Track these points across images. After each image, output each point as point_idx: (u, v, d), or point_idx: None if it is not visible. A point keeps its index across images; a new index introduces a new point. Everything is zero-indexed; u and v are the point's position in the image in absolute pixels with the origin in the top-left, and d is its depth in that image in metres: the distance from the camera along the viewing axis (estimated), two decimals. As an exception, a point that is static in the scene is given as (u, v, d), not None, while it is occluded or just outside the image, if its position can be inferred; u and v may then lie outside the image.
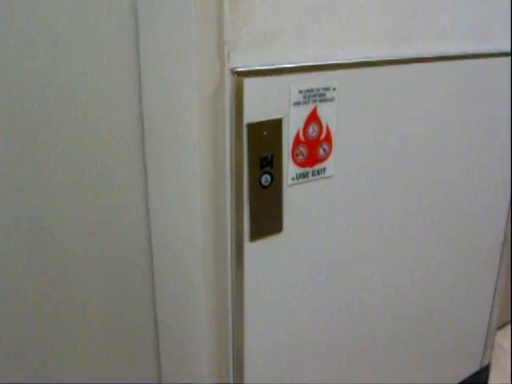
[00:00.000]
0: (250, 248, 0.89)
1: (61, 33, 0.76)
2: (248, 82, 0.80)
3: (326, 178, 0.96)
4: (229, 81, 0.80)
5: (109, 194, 0.86)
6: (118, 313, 0.93)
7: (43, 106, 0.77)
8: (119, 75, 0.82)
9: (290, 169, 0.90)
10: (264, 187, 0.88)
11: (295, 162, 0.90)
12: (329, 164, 0.95)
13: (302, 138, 0.90)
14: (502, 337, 1.84)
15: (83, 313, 0.90)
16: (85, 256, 0.87)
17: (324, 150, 0.94)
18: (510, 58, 1.17)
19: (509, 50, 1.17)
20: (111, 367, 0.96)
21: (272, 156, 0.87)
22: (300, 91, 0.87)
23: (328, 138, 0.94)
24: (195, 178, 0.82)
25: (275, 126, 0.86)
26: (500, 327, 1.87)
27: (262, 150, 0.85)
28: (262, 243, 0.90)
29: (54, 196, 0.82)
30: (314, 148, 0.92)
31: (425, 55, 1.02)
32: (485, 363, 1.58)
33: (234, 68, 0.79)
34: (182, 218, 0.86)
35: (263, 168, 0.86)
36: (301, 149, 0.90)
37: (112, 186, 0.86)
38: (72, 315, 0.89)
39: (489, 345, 1.56)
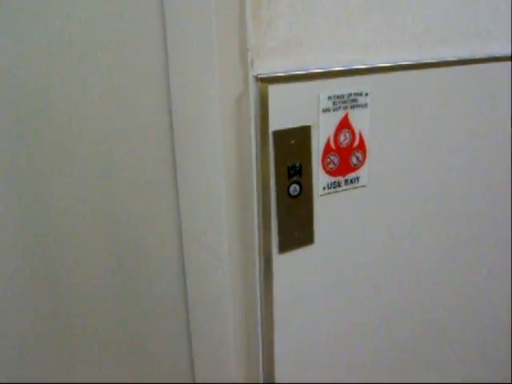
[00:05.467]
0: (279, 260, 0.86)
1: (97, 39, 0.76)
2: (273, 89, 0.78)
3: (360, 187, 0.92)
4: (253, 88, 0.78)
5: (140, 204, 0.85)
6: (150, 321, 0.92)
7: (71, 114, 0.77)
8: (150, 88, 0.81)
9: (320, 178, 0.87)
10: (293, 197, 0.85)
11: (326, 171, 0.87)
12: (363, 173, 0.91)
13: (332, 145, 0.86)
14: None
15: (114, 323, 0.89)
16: (113, 266, 0.87)
17: (357, 159, 0.90)
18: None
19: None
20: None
21: (300, 165, 0.84)
22: (329, 97, 0.84)
23: (361, 146, 0.90)
24: (220, 188, 0.80)
25: (303, 134, 0.83)
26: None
27: (289, 158, 0.83)
28: (291, 255, 0.87)
29: (82, 205, 0.82)
30: (347, 156, 0.88)
31: (464, 57, 0.96)
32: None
33: (258, 75, 0.77)
34: (209, 229, 0.84)
35: (291, 177, 0.84)
36: (332, 157, 0.87)
37: (143, 196, 0.85)
38: (103, 325, 0.88)
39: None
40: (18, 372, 0.84)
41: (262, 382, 0.92)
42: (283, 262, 0.87)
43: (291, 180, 0.84)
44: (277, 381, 0.92)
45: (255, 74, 0.77)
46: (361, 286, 0.98)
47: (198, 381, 0.96)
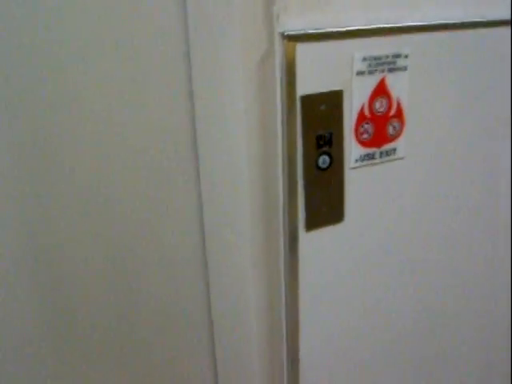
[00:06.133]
0: (306, 239, 0.79)
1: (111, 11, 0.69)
2: (301, 48, 0.70)
3: (397, 160, 0.83)
4: (279, 47, 0.69)
5: (160, 175, 0.79)
6: (171, 305, 0.87)
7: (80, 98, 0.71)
8: (168, 49, 0.74)
9: (352, 149, 0.79)
10: (322, 170, 0.77)
11: (359, 141, 0.79)
12: (400, 144, 0.83)
13: (367, 113, 0.78)
14: None
15: (134, 310, 0.84)
16: (140, 248, 0.81)
17: (394, 128, 0.81)
18: None
19: None
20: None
21: (331, 134, 0.76)
22: (364, 59, 0.75)
23: (399, 114, 0.81)
24: (242, 159, 0.73)
25: (334, 99, 0.75)
26: None
27: (318, 126, 0.75)
28: (319, 233, 0.80)
29: (113, 191, 0.77)
30: (382, 125, 0.80)
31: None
32: None
33: (285, 32, 0.69)
34: (230, 204, 0.77)
35: (320, 148, 0.76)
36: (366, 126, 0.79)
37: (164, 165, 0.79)
38: (117, 318, 0.83)
39: None
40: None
41: (285, 366, 0.85)
42: (310, 241, 0.79)
43: (320, 151, 0.76)
44: (301, 366, 0.85)
45: (281, 31, 0.69)
46: (394, 267, 0.90)
47: (218, 360, 0.90)
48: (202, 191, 0.80)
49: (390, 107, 0.80)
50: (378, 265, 0.87)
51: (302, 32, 0.70)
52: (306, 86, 0.72)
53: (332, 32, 0.72)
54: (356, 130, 0.78)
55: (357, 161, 0.79)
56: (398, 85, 0.79)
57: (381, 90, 0.78)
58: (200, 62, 0.73)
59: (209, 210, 0.81)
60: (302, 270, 0.79)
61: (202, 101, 0.75)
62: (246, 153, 0.73)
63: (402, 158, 0.84)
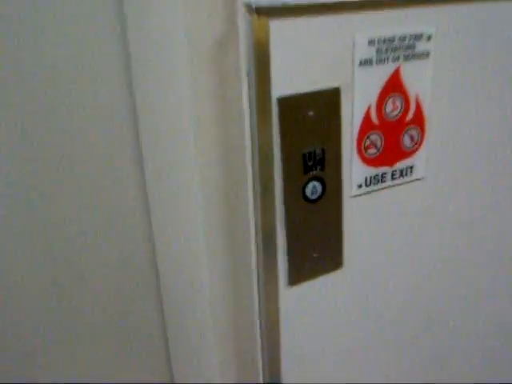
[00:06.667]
0: (289, 295, 0.57)
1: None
2: (278, 27, 0.47)
3: (414, 181, 0.61)
4: (244, 25, 0.47)
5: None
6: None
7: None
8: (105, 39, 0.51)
9: (354, 170, 0.57)
10: (311, 201, 0.55)
11: (363, 158, 0.57)
12: (419, 159, 0.61)
13: (374, 119, 0.56)
14: None
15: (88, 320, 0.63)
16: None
17: (411, 139, 0.59)
18: None
19: None
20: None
21: (323, 151, 0.54)
22: (371, 41, 0.53)
23: (418, 119, 0.59)
24: (194, 192, 0.51)
25: (328, 101, 0.53)
26: None
27: (305, 141, 0.52)
28: (308, 287, 0.58)
29: (51, 199, 0.55)
30: (396, 135, 0.58)
31: None
32: None
33: (253, 3, 0.46)
34: (184, 249, 0.55)
35: (309, 171, 0.53)
36: (373, 137, 0.56)
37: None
38: (76, 321, 0.63)
39: None
40: None
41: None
42: (295, 299, 0.58)
43: (309, 175, 0.54)
44: None
45: (247, 2, 0.46)
46: (411, 329, 0.68)
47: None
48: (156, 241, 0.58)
49: (406, 110, 0.58)
50: (392, 323, 0.66)
51: (279, 3, 0.47)
52: (286, 83, 0.49)
53: (323, 3, 0.49)
54: (359, 144, 0.56)
55: (360, 186, 0.57)
56: (417, 78, 0.57)
57: (394, 86, 0.56)
58: (144, 63, 0.49)
59: (163, 259, 0.59)
60: (285, 339, 0.57)
61: (144, 112, 0.52)
62: (198, 178, 0.51)
63: (421, 179, 0.61)
